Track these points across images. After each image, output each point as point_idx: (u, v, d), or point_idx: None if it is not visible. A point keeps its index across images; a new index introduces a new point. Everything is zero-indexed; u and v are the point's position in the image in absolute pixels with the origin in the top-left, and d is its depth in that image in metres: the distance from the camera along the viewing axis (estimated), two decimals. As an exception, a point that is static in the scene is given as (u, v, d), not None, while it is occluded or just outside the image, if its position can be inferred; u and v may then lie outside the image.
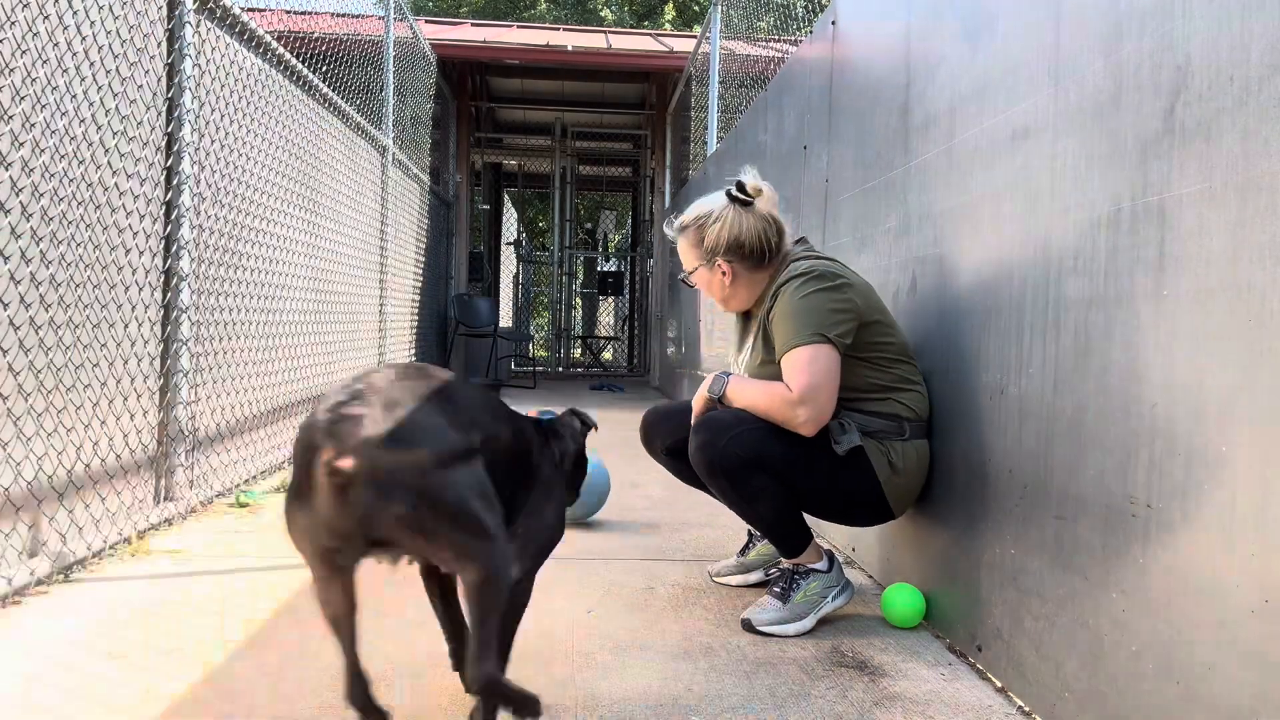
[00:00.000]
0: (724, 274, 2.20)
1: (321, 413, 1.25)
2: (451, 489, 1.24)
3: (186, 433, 3.01)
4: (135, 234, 2.73)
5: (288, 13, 6.25)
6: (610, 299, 15.81)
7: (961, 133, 2.04)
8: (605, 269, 15.88)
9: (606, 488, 3.24)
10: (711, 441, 2.05)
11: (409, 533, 1.25)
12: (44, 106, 2.26)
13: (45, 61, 2.26)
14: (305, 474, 1.24)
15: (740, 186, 2.17)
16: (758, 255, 2.16)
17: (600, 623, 2.12)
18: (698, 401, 2.19)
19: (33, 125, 2.21)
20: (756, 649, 1.99)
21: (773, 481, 2.05)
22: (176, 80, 2.93)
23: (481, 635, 1.29)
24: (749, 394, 2.08)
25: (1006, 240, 1.82)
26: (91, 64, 2.46)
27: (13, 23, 2.12)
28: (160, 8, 2.86)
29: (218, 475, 3.34)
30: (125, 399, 2.68)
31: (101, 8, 2.50)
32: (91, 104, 2.47)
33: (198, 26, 3.09)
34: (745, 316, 2.32)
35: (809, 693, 1.75)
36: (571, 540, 2.90)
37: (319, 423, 1.23)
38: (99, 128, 2.51)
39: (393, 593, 2.33)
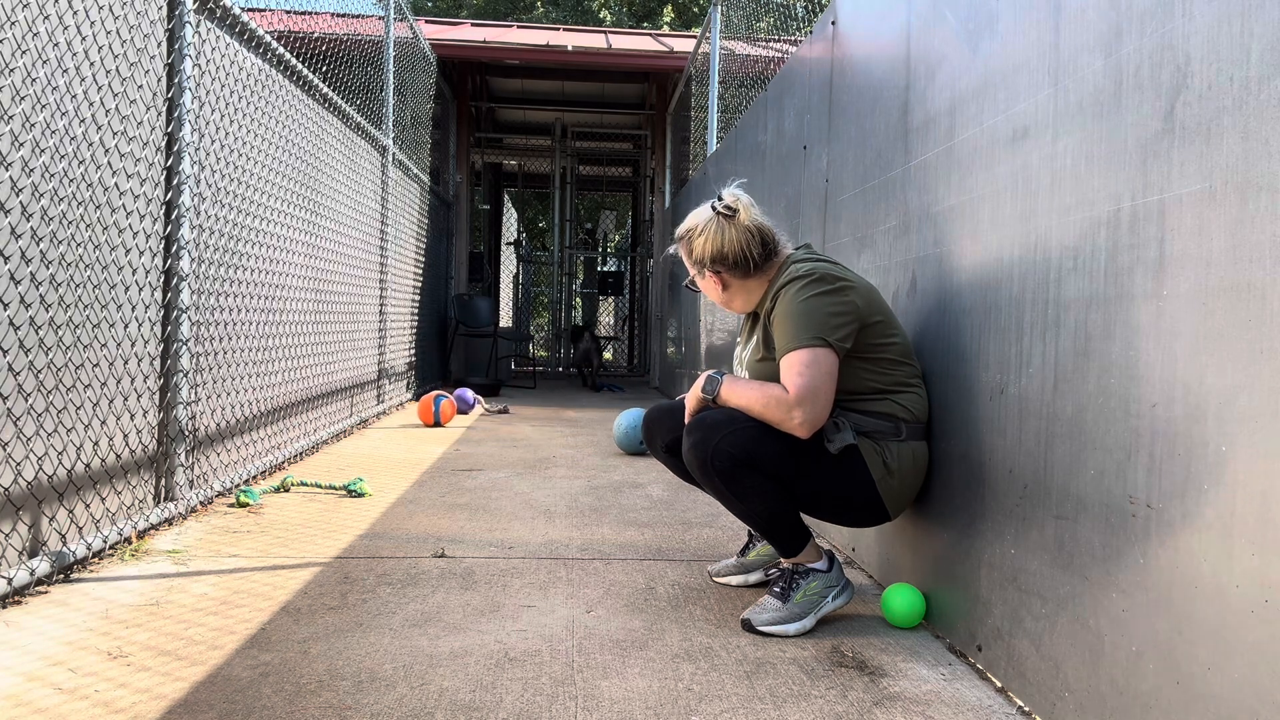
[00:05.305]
0: (715, 282, 2.25)
1: None
2: None
3: (186, 433, 3.01)
4: (135, 234, 2.73)
5: (288, 13, 6.26)
6: (610, 299, 15.82)
7: (961, 132, 2.04)
8: (605, 269, 15.87)
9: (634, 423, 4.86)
10: (704, 440, 2.05)
11: None
12: (44, 106, 2.26)
13: (45, 61, 2.26)
14: None
15: (722, 200, 2.21)
16: (743, 265, 2.20)
17: (600, 623, 2.12)
18: (691, 400, 2.20)
19: (33, 125, 2.21)
20: (756, 649, 1.99)
21: (767, 480, 2.05)
22: (176, 80, 2.93)
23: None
24: (744, 395, 2.08)
25: (1006, 240, 1.82)
26: (91, 64, 2.46)
27: (13, 23, 2.12)
28: (160, 8, 2.86)
29: (218, 475, 3.34)
30: (125, 399, 2.68)
31: (101, 8, 2.50)
32: (91, 104, 2.47)
33: (198, 26, 3.09)
34: (753, 313, 2.34)
35: (809, 693, 1.75)
36: (571, 540, 2.90)
37: None
38: (99, 128, 2.51)
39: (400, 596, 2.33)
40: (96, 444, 2.53)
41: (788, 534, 2.12)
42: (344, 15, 5.85)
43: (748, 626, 2.09)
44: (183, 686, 1.69)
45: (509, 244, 15.23)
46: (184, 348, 2.97)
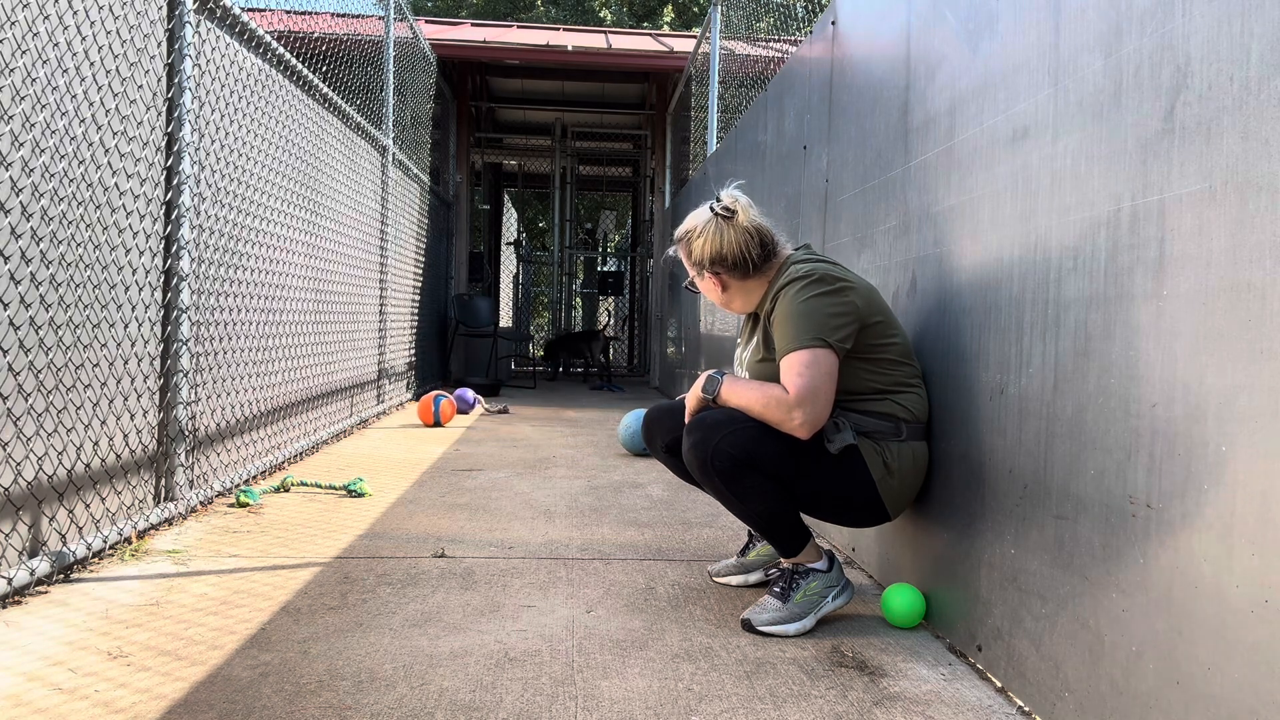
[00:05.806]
0: (715, 283, 2.25)
1: None
2: None
3: (186, 433, 3.01)
4: (135, 234, 2.73)
5: (288, 13, 6.26)
6: (610, 299, 15.82)
7: (961, 132, 2.04)
8: (605, 269, 15.87)
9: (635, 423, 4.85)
10: (705, 440, 2.05)
11: None
12: (44, 106, 2.26)
13: (45, 61, 2.26)
14: None
15: (720, 202, 2.21)
16: (742, 266, 2.20)
17: (600, 623, 2.12)
18: (691, 400, 2.20)
19: (33, 125, 2.21)
20: (756, 649, 1.99)
21: (767, 481, 2.05)
22: (176, 80, 2.93)
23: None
24: (744, 395, 2.08)
25: (1006, 240, 1.82)
26: (91, 64, 2.46)
27: (13, 23, 2.12)
28: (160, 8, 2.86)
29: (218, 475, 3.34)
30: (125, 399, 2.68)
31: (101, 8, 2.50)
32: (91, 104, 2.47)
33: (198, 26, 3.09)
34: (753, 313, 2.34)
35: (809, 693, 1.75)
36: (571, 540, 2.90)
37: None
38: (99, 128, 2.51)
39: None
40: (96, 444, 2.53)
41: (788, 534, 2.12)
42: (344, 15, 5.85)
43: (748, 626, 2.09)
44: (183, 686, 1.69)
45: (509, 244, 15.23)
46: (184, 348, 2.97)
